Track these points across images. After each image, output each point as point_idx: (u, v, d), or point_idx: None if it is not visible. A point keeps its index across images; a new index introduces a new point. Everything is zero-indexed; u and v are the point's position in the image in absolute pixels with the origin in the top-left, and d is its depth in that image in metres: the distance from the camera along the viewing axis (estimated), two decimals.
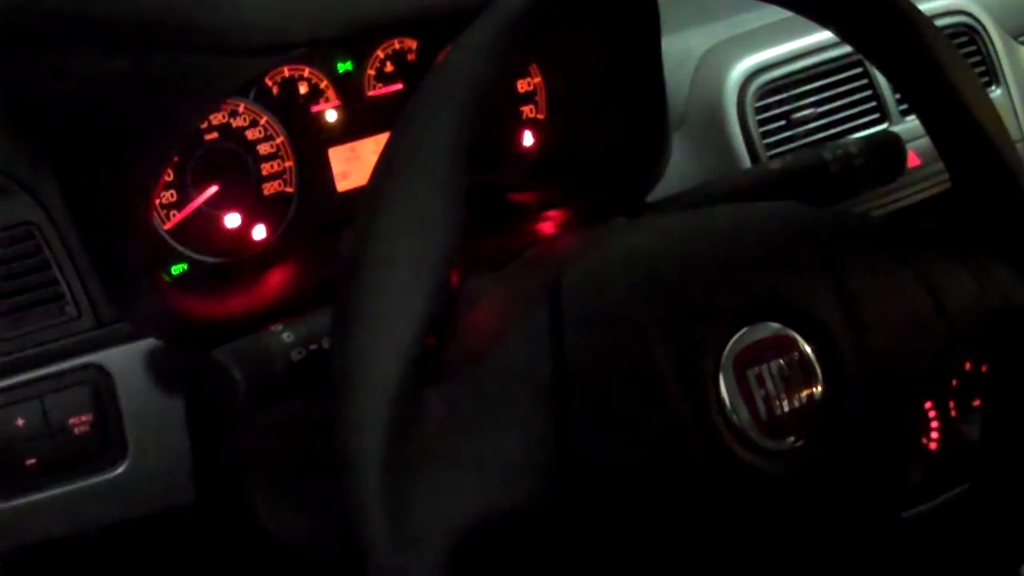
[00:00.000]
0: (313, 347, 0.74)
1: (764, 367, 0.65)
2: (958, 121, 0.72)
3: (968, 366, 1.05)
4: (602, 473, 0.62)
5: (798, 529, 0.67)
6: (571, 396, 0.61)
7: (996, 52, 1.19)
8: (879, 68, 0.78)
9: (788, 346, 0.66)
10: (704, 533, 0.64)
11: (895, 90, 1.10)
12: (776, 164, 0.93)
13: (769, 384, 0.65)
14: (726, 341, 0.65)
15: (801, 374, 0.66)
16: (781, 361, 0.66)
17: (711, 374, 0.64)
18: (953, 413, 1.06)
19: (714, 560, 0.65)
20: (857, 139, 0.95)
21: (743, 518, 0.65)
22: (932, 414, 1.04)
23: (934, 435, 1.05)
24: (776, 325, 0.66)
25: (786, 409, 0.65)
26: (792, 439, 0.65)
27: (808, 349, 0.66)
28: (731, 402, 0.64)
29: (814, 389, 0.66)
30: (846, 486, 0.67)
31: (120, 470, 0.81)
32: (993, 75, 1.19)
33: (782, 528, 0.66)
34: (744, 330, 0.65)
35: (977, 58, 1.19)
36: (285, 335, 0.74)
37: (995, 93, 1.19)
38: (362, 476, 0.54)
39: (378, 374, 0.55)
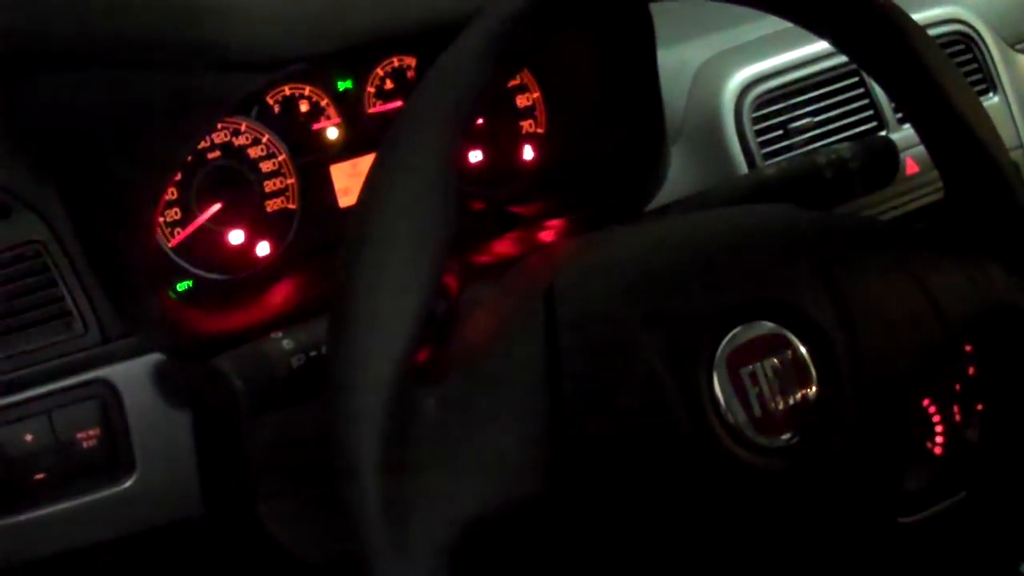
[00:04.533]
0: (313, 353, 0.75)
1: (757, 365, 0.66)
2: (950, 125, 0.72)
3: (972, 371, 1.05)
4: (598, 471, 0.62)
5: (793, 526, 0.67)
6: (566, 396, 0.62)
7: (993, 60, 1.20)
8: (872, 76, 0.79)
9: (781, 345, 0.67)
10: (699, 529, 0.65)
11: (889, 98, 1.11)
12: (771, 170, 0.94)
13: (763, 382, 0.65)
14: (719, 340, 0.65)
15: (795, 373, 0.66)
16: (775, 360, 0.66)
17: (705, 372, 0.64)
18: (957, 418, 1.06)
19: (709, 557, 0.65)
20: (851, 144, 0.96)
21: (738, 514, 0.65)
22: (936, 418, 1.04)
23: (939, 439, 1.05)
24: (770, 324, 0.67)
25: (780, 407, 0.65)
26: (787, 436, 0.66)
27: (802, 348, 0.67)
28: (725, 400, 0.64)
29: (808, 388, 0.66)
30: (842, 484, 0.68)
31: (128, 484, 0.82)
32: (990, 83, 1.20)
33: (777, 525, 0.66)
34: (737, 329, 0.66)
35: (974, 66, 1.19)
36: (285, 342, 0.75)
37: (992, 101, 1.19)
38: (360, 480, 0.55)
39: (373, 377, 0.56)
